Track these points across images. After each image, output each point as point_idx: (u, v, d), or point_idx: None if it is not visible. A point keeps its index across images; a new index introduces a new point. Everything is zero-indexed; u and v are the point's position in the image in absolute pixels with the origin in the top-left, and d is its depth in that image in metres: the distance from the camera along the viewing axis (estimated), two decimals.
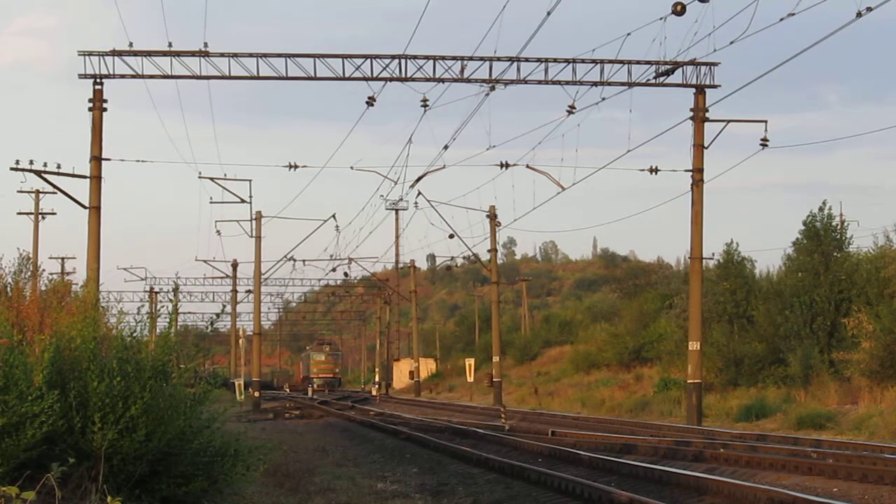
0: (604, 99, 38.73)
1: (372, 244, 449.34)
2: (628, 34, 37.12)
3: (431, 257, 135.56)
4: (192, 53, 38.53)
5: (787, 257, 50.96)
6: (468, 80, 38.97)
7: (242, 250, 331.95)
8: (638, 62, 38.68)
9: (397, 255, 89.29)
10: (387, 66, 38.75)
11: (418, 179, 48.92)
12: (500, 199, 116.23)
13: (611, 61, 38.86)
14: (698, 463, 23.41)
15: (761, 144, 38.90)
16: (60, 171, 39.29)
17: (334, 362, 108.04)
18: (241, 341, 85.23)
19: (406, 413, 52.53)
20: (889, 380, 38.76)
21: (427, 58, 38.91)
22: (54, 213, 62.53)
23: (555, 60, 39.16)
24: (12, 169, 39.24)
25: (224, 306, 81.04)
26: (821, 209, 48.07)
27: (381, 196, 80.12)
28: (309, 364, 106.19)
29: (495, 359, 62.46)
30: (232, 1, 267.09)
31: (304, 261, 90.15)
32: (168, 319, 13.23)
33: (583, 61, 38.94)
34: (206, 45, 38.42)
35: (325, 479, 21.05)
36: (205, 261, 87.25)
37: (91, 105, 38.30)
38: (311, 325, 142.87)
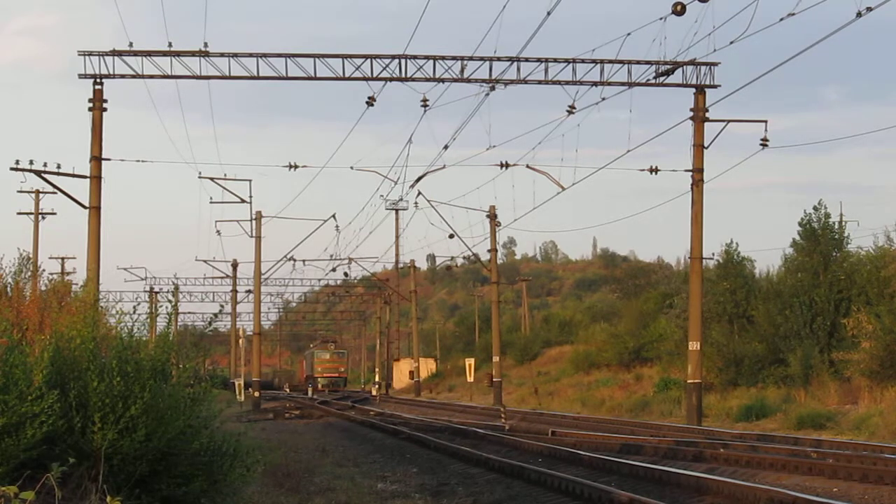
0: (604, 99, 38.78)
1: (372, 244, 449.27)
2: (628, 34, 37.18)
3: (431, 257, 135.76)
4: (192, 53, 38.54)
5: (785, 257, 50.99)
6: (468, 80, 38.98)
7: (242, 250, 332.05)
8: (638, 62, 38.68)
9: (397, 255, 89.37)
10: (387, 66, 38.76)
11: (418, 179, 48.98)
12: (500, 199, 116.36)
13: (611, 61, 38.86)
14: (698, 463, 23.41)
15: (761, 144, 38.94)
16: (60, 171, 39.30)
17: (339, 361, 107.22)
18: (241, 341, 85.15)
19: (406, 413, 52.53)
20: (889, 380, 38.74)
21: (427, 58, 38.92)
22: (54, 213, 62.49)
23: (555, 60, 39.16)
24: (12, 169, 39.29)
25: (223, 306, 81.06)
26: (816, 209, 48.10)
27: (381, 196, 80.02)
28: (313, 363, 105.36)
29: (495, 359, 62.47)
30: (232, 1, 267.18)
31: (304, 261, 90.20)
32: (167, 319, 13.22)
33: (583, 61, 38.96)
34: (206, 45, 38.47)
35: (325, 479, 21.05)
36: (205, 261, 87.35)
37: (91, 105, 38.31)
38: (311, 325, 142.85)
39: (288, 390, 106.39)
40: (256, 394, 62.11)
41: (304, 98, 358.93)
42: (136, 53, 38.36)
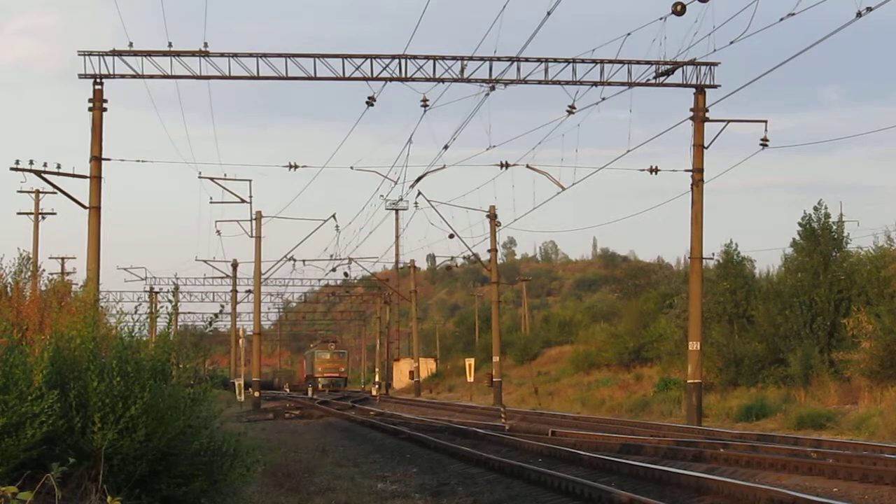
0: (604, 99, 38.78)
1: (372, 244, 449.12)
2: (628, 34, 37.18)
3: (431, 257, 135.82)
4: (192, 53, 38.54)
5: (785, 257, 51.01)
6: (468, 80, 38.97)
7: (242, 250, 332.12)
8: (638, 62, 38.68)
9: (397, 255, 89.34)
10: (387, 66, 38.76)
11: (418, 179, 48.98)
12: (500, 199, 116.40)
13: (611, 61, 38.86)
14: (698, 463, 23.41)
15: (761, 144, 38.95)
16: (60, 171, 39.30)
17: (340, 361, 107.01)
18: (241, 341, 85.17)
19: (406, 413, 52.54)
20: (889, 380, 38.74)
21: (427, 58, 38.92)
22: (54, 213, 62.49)
23: (555, 60, 39.16)
24: (12, 169, 39.29)
25: (223, 306, 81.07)
26: (816, 209, 48.12)
27: (381, 196, 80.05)
28: (314, 363, 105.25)
29: (495, 359, 62.46)
30: (232, 1, 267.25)
31: (304, 261, 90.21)
32: (168, 319, 13.22)
33: (583, 61, 38.95)
34: (206, 45, 38.47)
35: (325, 479, 21.05)
36: (205, 261, 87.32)
37: (91, 105, 38.32)
38: (311, 325, 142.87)
39: (288, 390, 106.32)
40: (256, 394, 62.10)
41: (304, 98, 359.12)
42: (136, 53, 38.37)
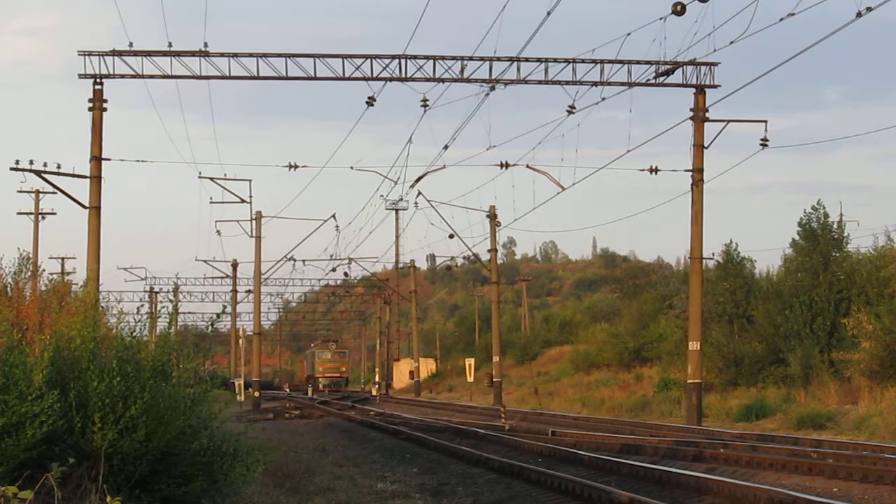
0: (604, 99, 38.77)
1: (372, 244, 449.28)
2: (628, 34, 37.16)
3: (431, 257, 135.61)
4: (192, 53, 38.53)
5: (785, 257, 51.01)
6: (468, 80, 38.96)
7: (242, 250, 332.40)
8: (638, 62, 38.68)
9: (397, 255, 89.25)
10: (387, 66, 38.75)
11: (418, 179, 48.99)
12: (500, 199, 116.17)
13: (611, 61, 38.85)
14: (698, 463, 23.41)
15: (761, 144, 38.94)
16: (60, 171, 39.29)
17: (341, 361, 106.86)
18: (241, 341, 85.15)
19: (406, 413, 52.53)
20: (889, 380, 38.74)
21: (427, 58, 38.91)
22: (54, 213, 62.49)
23: (555, 60, 39.15)
24: (12, 169, 39.27)
25: (224, 307, 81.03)
26: (815, 209, 48.11)
27: (381, 196, 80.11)
28: (314, 363, 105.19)
29: (495, 359, 62.46)
30: (232, 1, 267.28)
31: (304, 261, 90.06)
32: (168, 319, 13.23)
33: (583, 61, 38.95)
34: (206, 45, 38.45)
35: (325, 479, 21.05)
36: (205, 261, 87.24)
37: (91, 105, 38.32)
38: (311, 325, 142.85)
39: (288, 390, 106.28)
40: (256, 394, 62.09)
41: (304, 98, 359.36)
42: (136, 53, 38.36)
